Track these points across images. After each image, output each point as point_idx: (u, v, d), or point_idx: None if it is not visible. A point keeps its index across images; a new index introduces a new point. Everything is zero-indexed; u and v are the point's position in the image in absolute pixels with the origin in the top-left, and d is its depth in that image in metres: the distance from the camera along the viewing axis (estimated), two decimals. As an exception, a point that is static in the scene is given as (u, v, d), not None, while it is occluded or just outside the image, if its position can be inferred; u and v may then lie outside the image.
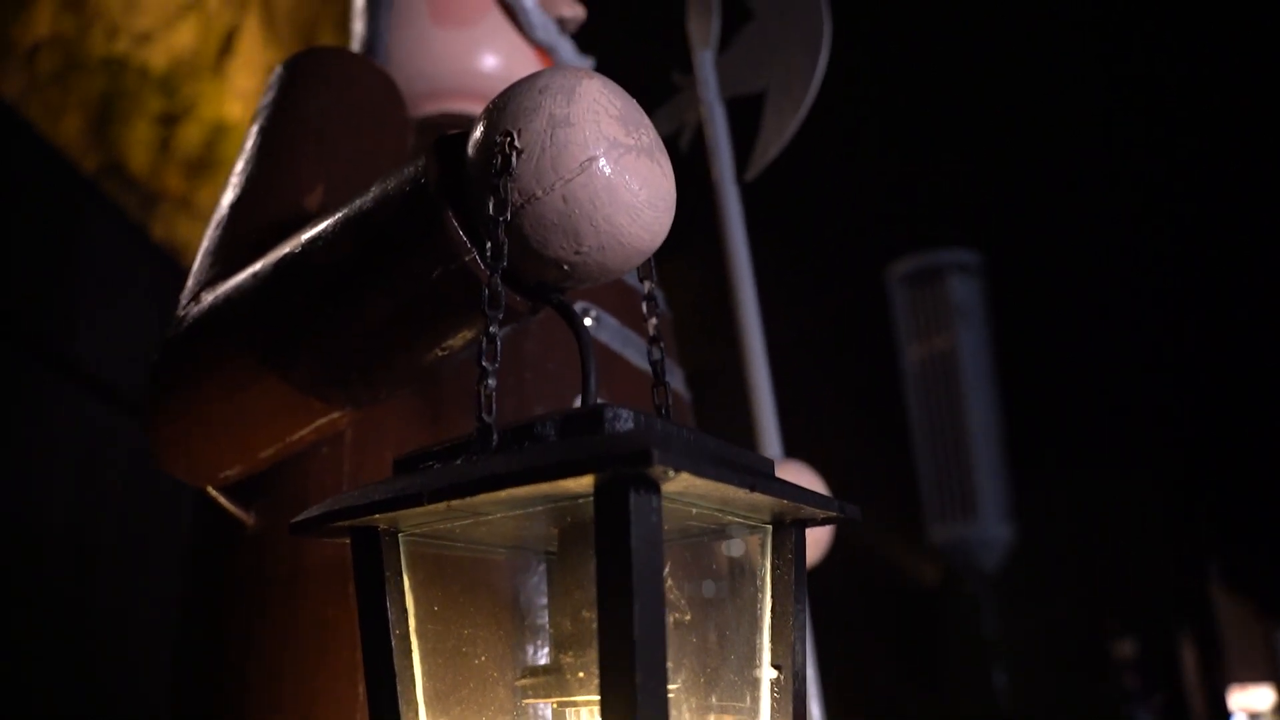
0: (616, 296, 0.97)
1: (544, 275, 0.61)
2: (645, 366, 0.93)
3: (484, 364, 0.52)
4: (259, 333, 0.70)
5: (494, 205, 0.56)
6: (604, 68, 1.26)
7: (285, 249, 0.70)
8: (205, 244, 0.84)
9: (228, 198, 0.86)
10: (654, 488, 0.45)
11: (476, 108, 1.13)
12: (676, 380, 1.06)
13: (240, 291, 0.72)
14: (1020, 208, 5.34)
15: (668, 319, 1.12)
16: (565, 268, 0.60)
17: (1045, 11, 4.62)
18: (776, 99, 1.29)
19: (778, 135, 1.28)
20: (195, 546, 0.87)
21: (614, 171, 0.58)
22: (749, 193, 1.35)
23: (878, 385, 6.04)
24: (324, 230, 0.67)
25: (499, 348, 0.53)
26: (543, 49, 1.15)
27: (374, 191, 0.66)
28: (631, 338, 0.97)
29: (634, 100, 0.62)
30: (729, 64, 1.37)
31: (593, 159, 0.57)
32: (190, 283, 0.81)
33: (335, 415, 0.75)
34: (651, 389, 0.63)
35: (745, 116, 1.38)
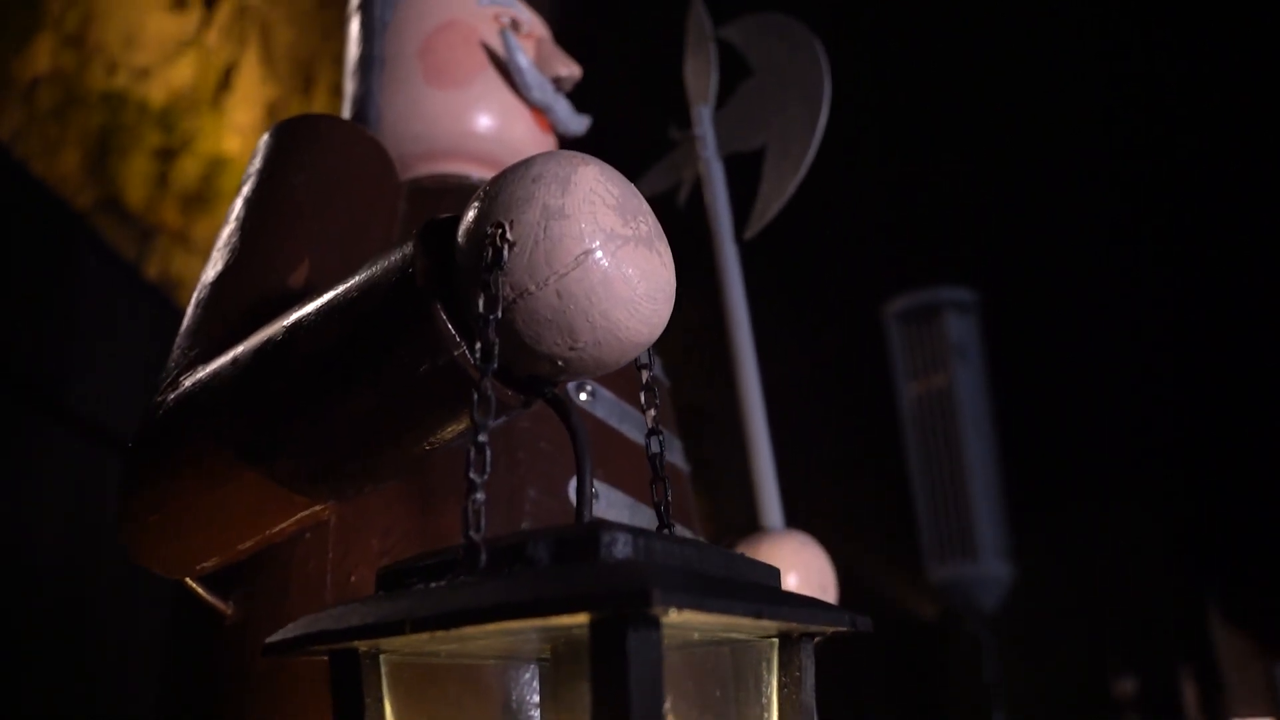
0: None
1: (536, 370, 0.59)
2: (643, 441, 0.90)
3: (471, 476, 0.49)
4: (238, 424, 0.67)
5: (484, 302, 0.53)
6: (600, 125, 1.24)
7: (266, 334, 0.67)
8: (186, 322, 0.81)
9: (210, 273, 0.83)
10: (654, 623, 0.42)
11: (471, 169, 1.10)
12: (675, 453, 1.03)
13: (219, 379, 0.69)
14: (1016, 245, 5.34)
15: (664, 385, 1.09)
16: (559, 363, 0.58)
17: (1039, 50, 4.64)
18: (776, 157, 1.27)
19: (778, 194, 1.26)
20: (171, 636, 0.83)
21: (611, 265, 0.55)
22: (739, 213, 1.32)
23: (875, 424, 6.01)
24: (307, 317, 0.65)
25: (488, 458, 0.50)
26: (539, 109, 1.13)
27: (360, 277, 0.63)
28: (629, 412, 0.94)
29: (632, 186, 0.60)
30: (727, 120, 1.35)
31: (588, 252, 0.55)
32: (170, 363, 0.78)
33: (318, 509, 0.72)
34: (650, 484, 0.61)
35: (744, 173, 1.36)
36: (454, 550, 0.50)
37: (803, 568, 1.05)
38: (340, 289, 0.64)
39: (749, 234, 1.28)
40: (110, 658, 3.17)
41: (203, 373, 0.72)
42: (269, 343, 0.66)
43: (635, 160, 1.44)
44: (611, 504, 0.86)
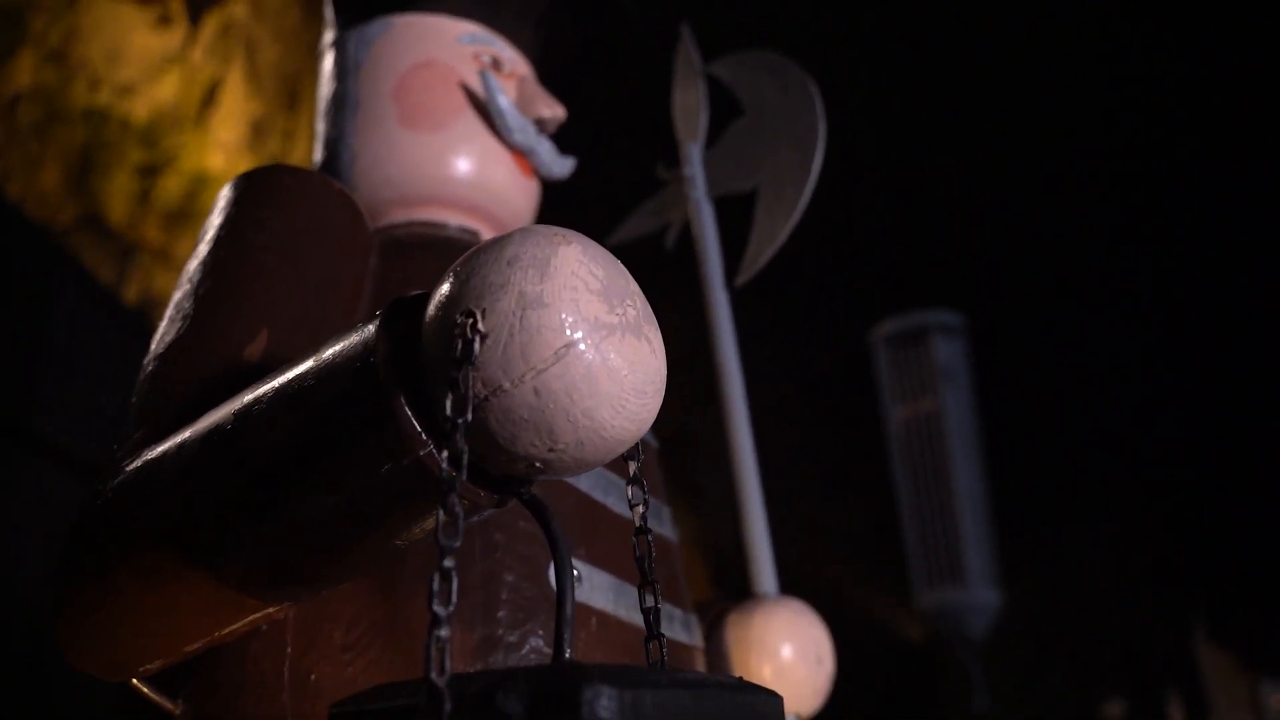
0: None
1: (512, 470, 0.53)
2: (629, 515, 0.84)
3: (435, 608, 0.43)
4: (182, 521, 0.61)
5: (452, 403, 0.48)
6: (584, 163, 1.19)
7: (215, 420, 0.61)
8: (134, 396, 0.75)
9: (159, 344, 0.77)
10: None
11: (448, 217, 1.05)
12: (664, 524, 0.97)
13: (163, 469, 0.63)
14: (1004, 269, 5.32)
15: (652, 448, 1.03)
16: (537, 465, 0.52)
17: (1025, 75, 4.63)
18: (769, 201, 1.22)
19: (770, 239, 1.20)
20: (116, 735, 0.77)
21: (595, 358, 0.49)
22: (730, 255, 1.27)
23: (863, 448, 5.96)
24: (259, 404, 0.58)
25: (454, 586, 0.44)
26: (520, 152, 1.08)
27: (317, 361, 0.57)
28: (614, 482, 0.88)
29: (619, 264, 0.54)
30: (718, 160, 1.30)
31: (570, 345, 0.49)
32: (114, 444, 0.72)
33: (273, 610, 0.65)
34: (645, 643, 0.54)
35: (734, 213, 1.31)
36: (415, 691, 0.44)
37: (799, 640, 1.00)
38: (295, 372, 0.58)
39: (740, 280, 1.23)
40: (83, 683, 3.09)
41: (145, 459, 0.65)
42: (216, 432, 0.60)
43: (621, 200, 1.39)
44: (595, 587, 0.80)
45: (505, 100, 1.05)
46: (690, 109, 1.34)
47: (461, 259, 0.53)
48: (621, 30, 1.17)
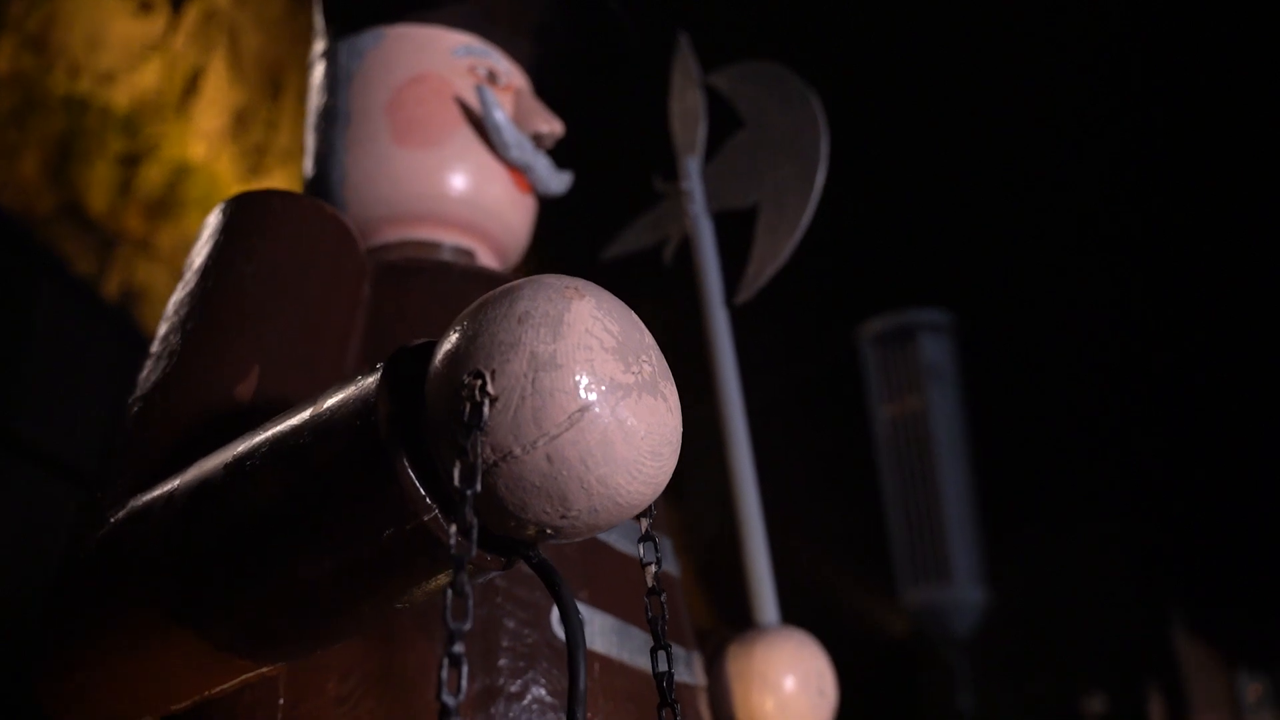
0: None
1: (521, 535, 0.50)
2: (632, 551, 0.81)
3: (444, 698, 0.41)
4: (169, 580, 0.58)
5: (461, 473, 0.45)
6: (582, 177, 1.16)
7: (205, 473, 0.58)
8: (119, 437, 0.72)
9: (145, 382, 0.73)
10: None
11: (443, 236, 1.02)
12: (667, 558, 0.94)
13: (150, 523, 0.60)
14: (991, 268, 5.32)
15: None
16: (548, 531, 0.49)
17: (1012, 75, 4.62)
18: (770, 219, 1.19)
19: (771, 258, 1.17)
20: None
21: (611, 422, 0.47)
22: (728, 270, 1.24)
23: (850, 446, 5.96)
24: (251, 459, 0.55)
25: (464, 672, 0.41)
26: (517, 169, 1.05)
27: (313, 414, 0.54)
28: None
29: (633, 316, 0.51)
30: (717, 174, 1.26)
31: (585, 409, 0.46)
32: (97, 488, 0.69)
33: (264, 670, 0.62)
34: (658, 711, 0.52)
35: (733, 227, 1.28)
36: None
37: (801, 671, 0.98)
38: (290, 425, 0.55)
39: (740, 299, 1.20)
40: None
41: (133, 510, 0.62)
42: (207, 487, 0.57)
43: (617, 212, 1.36)
44: (598, 631, 0.77)
45: (502, 116, 1.01)
46: (689, 121, 1.31)
47: (469, 312, 0.50)
48: (618, 41, 1.14)
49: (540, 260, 1.35)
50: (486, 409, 0.46)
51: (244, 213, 0.81)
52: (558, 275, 0.51)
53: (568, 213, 1.25)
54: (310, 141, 1.05)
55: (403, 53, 1.04)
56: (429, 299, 0.87)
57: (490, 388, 0.46)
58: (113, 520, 0.64)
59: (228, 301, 0.75)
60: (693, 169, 1.28)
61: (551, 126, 1.06)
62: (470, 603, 0.43)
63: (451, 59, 1.04)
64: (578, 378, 0.46)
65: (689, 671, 0.89)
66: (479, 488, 0.45)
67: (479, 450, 0.46)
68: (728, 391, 1.15)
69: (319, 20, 1.12)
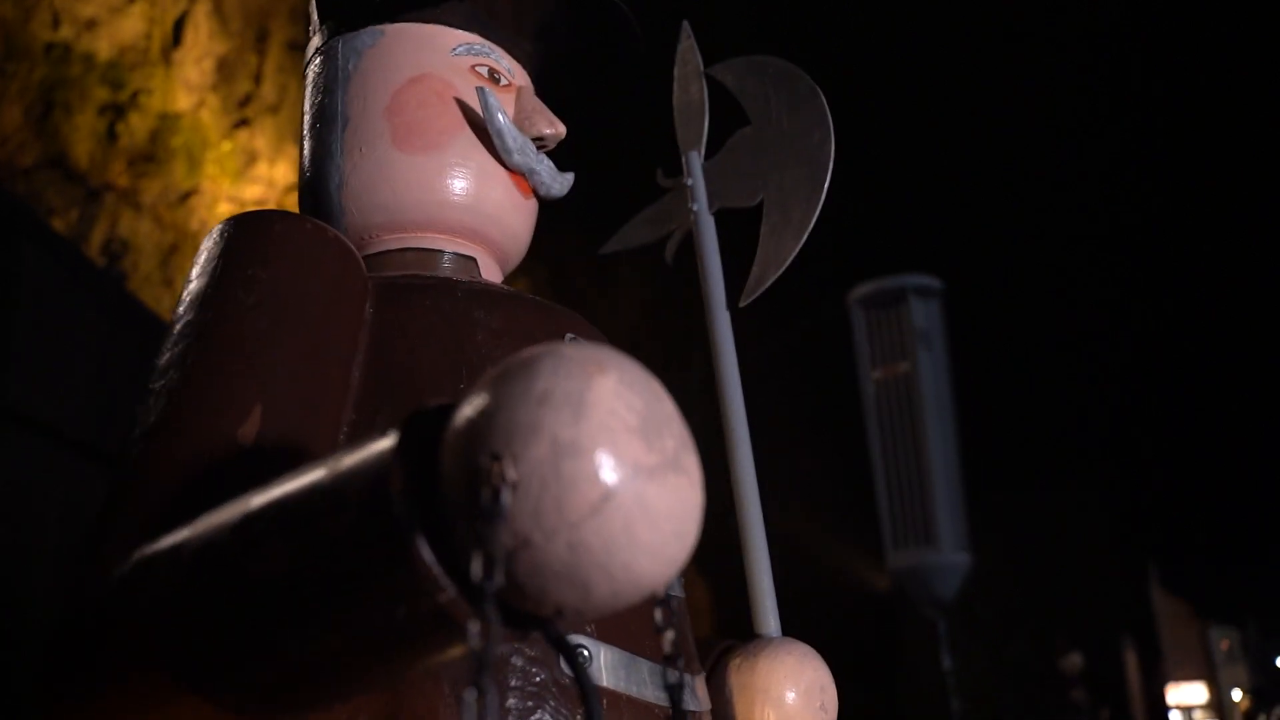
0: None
1: (540, 613, 0.49)
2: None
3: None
4: (177, 646, 0.57)
5: (482, 565, 0.44)
6: (583, 177, 1.13)
7: (212, 534, 0.57)
8: (120, 481, 0.70)
9: (147, 416, 0.72)
10: None
11: (442, 242, 1.00)
12: (674, 583, 0.94)
13: (154, 583, 0.59)
14: (981, 235, 5.33)
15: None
16: (566, 613, 0.48)
17: (1003, 45, 4.59)
18: (775, 221, 1.17)
19: (776, 260, 1.16)
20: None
21: (635, 508, 0.45)
22: (730, 267, 1.23)
23: (839, 410, 5.99)
24: (261, 522, 0.54)
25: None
26: (519, 173, 1.02)
27: (325, 479, 0.52)
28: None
29: (655, 386, 0.50)
30: (720, 171, 1.24)
31: (608, 497, 0.45)
32: (98, 531, 0.67)
33: (272, 729, 0.61)
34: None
35: (737, 224, 1.26)
36: None
37: (803, 685, 0.97)
38: (301, 488, 0.53)
39: (744, 302, 1.18)
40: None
41: (138, 567, 0.61)
42: (213, 548, 0.56)
43: (619, 206, 1.34)
44: (604, 666, 0.77)
45: (504, 121, 0.99)
46: (692, 115, 1.28)
47: (488, 383, 0.48)
48: (622, 37, 1.11)
49: (540, 255, 1.33)
50: (507, 496, 0.45)
51: (244, 238, 0.79)
52: (578, 346, 0.49)
53: (569, 207, 1.23)
54: (307, 143, 1.03)
55: (402, 52, 1.01)
56: (433, 317, 0.85)
57: (510, 473, 0.45)
58: (117, 575, 0.63)
59: (228, 337, 0.73)
60: (695, 165, 1.26)
61: (555, 129, 1.04)
62: (495, 700, 0.42)
63: (451, 58, 1.02)
64: (601, 464, 0.45)
65: (695, 699, 0.89)
66: (501, 581, 0.44)
67: (498, 538, 0.45)
68: (730, 396, 1.14)
69: (314, 12, 1.09)
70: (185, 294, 0.78)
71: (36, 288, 3.12)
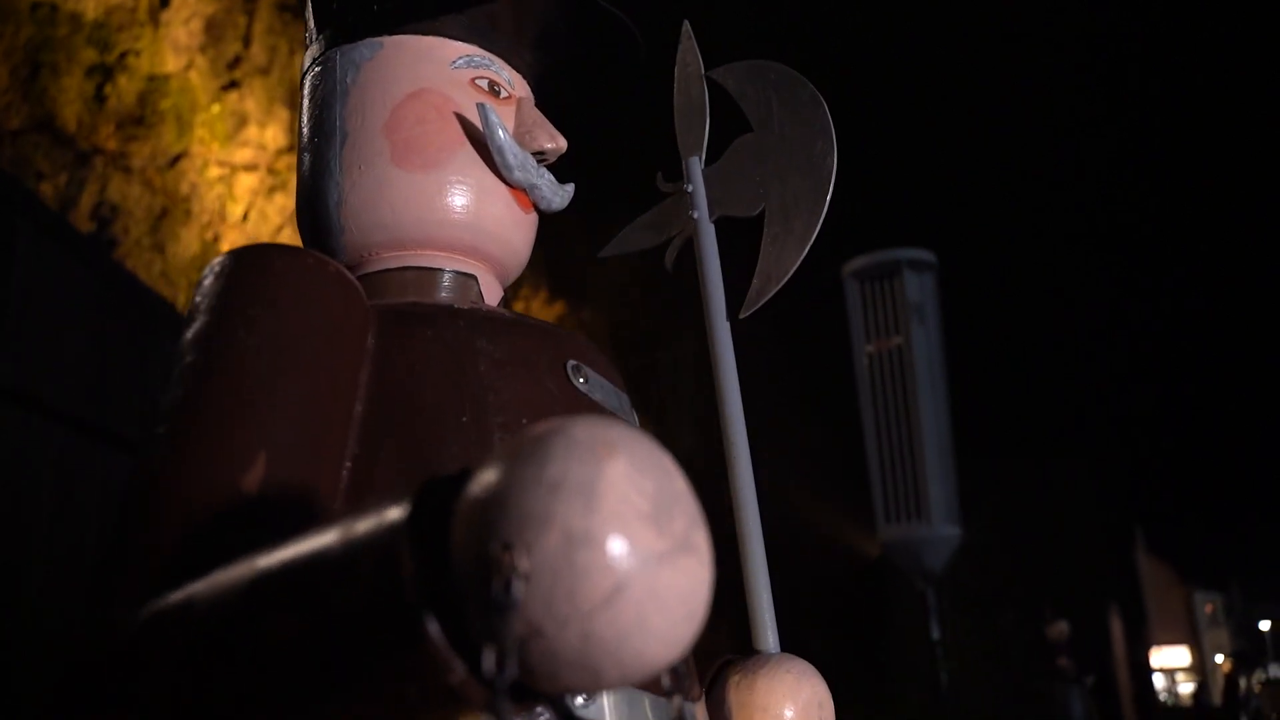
0: None
1: (548, 692, 0.49)
2: None
3: None
4: (182, 707, 0.57)
5: (495, 658, 0.44)
6: (583, 185, 1.13)
7: (219, 592, 0.57)
8: (123, 532, 0.69)
9: (149, 465, 0.71)
10: None
11: (442, 261, 0.99)
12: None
13: (159, 643, 0.59)
14: (975, 209, 5.33)
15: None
16: (576, 693, 0.48)
17: (997, 22, 4.56)
18: (776, 233, 1.16)
19: (777, 272, 1.15)
20: None
21: (646, 597, 0.45)
22: (731, 273, 1.22)
23: (832, 383, 6.01)
24: (270, 589, 0.54)
25: None
26: (519, 189, 1.01)
27: (336, 547, 0.52)
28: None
29: (664, 462, 0.50)
30: (722, 178, 1.23)
31: (620, 587, 0.45)
32: (102, 580, 0.67)
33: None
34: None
35: (738, 227, 1.26)
36: None
37: (801, 702, 0.98)
38: (311, 553, 0.53)
39: (744, 313, 1.18)
40: (42, 613, 3.07)
41: (147, 624, 0.61)
42: (221, 615, 0.56)
43: (618, 210, 1.33)
44: (610, 707, 0.77)
45: (505, 138, 0.98)
46: (693, 119, 1.27)
47: (499, 463, 0.48)
48: (624, 50, 1.10)
49: (540, 258, 1.32)
50: (519, 588, 0.45)
51: (244, 275, 0.78)
52: (589, 425, 0.49)
53: (570, 211, 1.22)
54: (305, 158, 1.01)
55: (400, 66, 0.99)
56: (436, 347, 0.85)
57: (523, 563, 0.45)
58: (124, 632, 0.63)
59: (231, 382, 0.72)
60: (696, 170, 1.24)
61: (555, 143, 1.03)
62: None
63: (451, 71, 1.00)
64: (613, 554, 0.45)
65: (695, 727, 0.90)
66: (514, 673, 0.44)
67: (511, 628, 0.45)
68: (730, 407, 1.14)
69: (310, 21, 1.08)
70: (187, 332, 0.77)
71: (27, 262, 3.10)
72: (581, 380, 0.92)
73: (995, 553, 6.62)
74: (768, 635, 1.05)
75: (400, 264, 0.98)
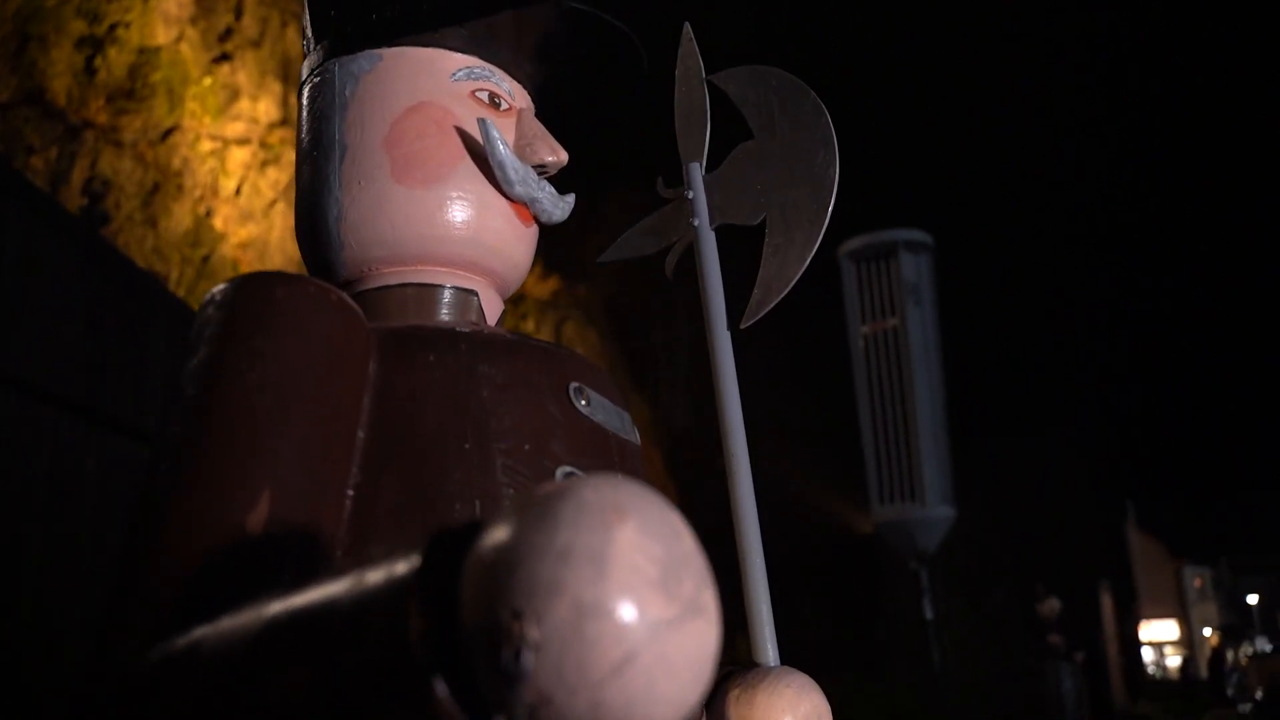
0: None
1: None
2: None
3: None
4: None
5: (503, 726, 0.44)
6: (583, 195, 1.12)
7: (225, 643, 0.57)
8: (131, 568, 0.69)
9: (152, 502, 0.71)
10: None
11: (442, 277, 0.98)
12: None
13: (170, 692, 0.59)
14: (971, 189, 5.32)
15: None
16: None
17: (994, 2, 4.53)
18: (778, 243, 1.16)
19: (778, 283, 1.15)
20: None
21: (655, 665, 0.46)
22: (732, 279, 1.22)
23: (827, 361, 6.01)
24: (278, 643, 0.54)
25: None
26: (520, 203, 1.01)
27: (344, 601, 0.52)
28: None
29: (674, 524, 0.50)
30: (723, 186, 1.22)
31: (630, 657, 0.45)
32: (111, 626, 0.66)
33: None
34: None
35: (740, 236, 1.25)
36: None
37: (800, 715, 0.99)
38: (321, 604, 0.53)
39: (745, 324, 1.18)
40: (41, 592, 3.08)
41: (154, 670, 0.61)
42: (230, 663, 0.56)
43: (616, 214, 1.32)
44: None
45: (505, 153, 0.97)
46: (694, 123, 1.26)
47: (507, 527, 0.48)
48: (626, 61, 1.09)
49: (540, 259, 1.31)
50: (529, 658, 0.45)
51: (246, 305, 0.77)
52: (597, 487, 0.49)
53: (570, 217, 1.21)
54: (303, 171, 1.00)
55: (400, 78, 0.98)
56: (437, 373, 0.84)
57: (533, 633, 0.45)
58: (130, 677, 0.63)
59: (234, 418, 0.72)
60: (697, 177, 1.24)
61: (556, 156, 1.02)
62: None
63: (451, 84, 0.99)
64: (622, 624, 0.45)
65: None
66: (522, 746, 0.44)
67: (522, 702, 0.45)
68: (731, 418, 1.14)
69: (307, 28, 1.06)
70: (188, 364, 0.76)
71: (18, 243, 3.08)
72: (583, 402, 0.92)
73: (988, 533, 6.66)
74: (767, 648, 1.06)
75: (400, 280, 0.97)
